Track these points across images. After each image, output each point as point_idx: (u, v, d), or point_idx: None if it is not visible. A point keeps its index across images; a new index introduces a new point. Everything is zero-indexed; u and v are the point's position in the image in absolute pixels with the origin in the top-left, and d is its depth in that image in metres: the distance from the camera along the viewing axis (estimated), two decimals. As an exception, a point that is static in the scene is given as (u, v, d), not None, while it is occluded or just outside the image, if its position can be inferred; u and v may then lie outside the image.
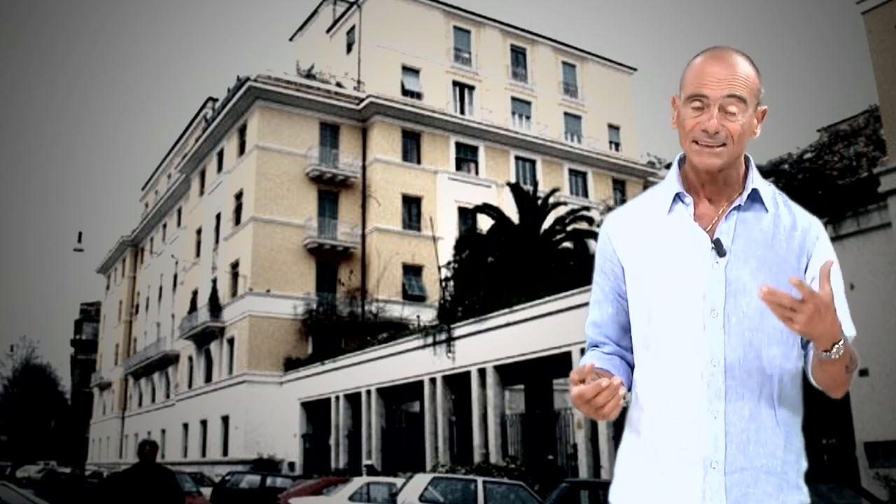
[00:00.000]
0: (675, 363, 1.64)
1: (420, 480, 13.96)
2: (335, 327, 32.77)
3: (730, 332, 1.61)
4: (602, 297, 1.79)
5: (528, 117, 41.97)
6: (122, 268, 59.20)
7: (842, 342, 1.48)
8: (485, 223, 27.88)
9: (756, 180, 1.72)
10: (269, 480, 20.40)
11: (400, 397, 25.96)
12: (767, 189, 1.74)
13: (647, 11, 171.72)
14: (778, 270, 1.64)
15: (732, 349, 1.61)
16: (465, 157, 38.43)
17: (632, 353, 1.77)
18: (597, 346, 1.80)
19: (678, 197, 1.72)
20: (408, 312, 32.13)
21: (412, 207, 36.01)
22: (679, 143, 1.73)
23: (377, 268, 34.22)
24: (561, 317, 17.93)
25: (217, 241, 37.89)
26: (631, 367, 1.77)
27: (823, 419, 14.19)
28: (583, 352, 1.85)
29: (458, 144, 38.14)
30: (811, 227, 1.71)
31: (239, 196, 35.70)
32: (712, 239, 1.66)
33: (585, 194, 41.45)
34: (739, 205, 1.69)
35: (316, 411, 29.72)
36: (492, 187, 37.07)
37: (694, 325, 1.63)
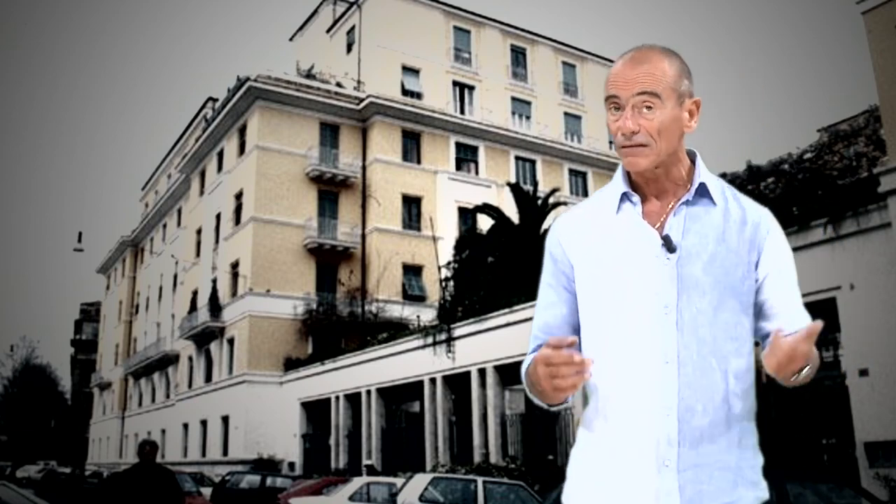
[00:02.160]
0: (627, 361, 1.62)
1: (420, 480, 13.96)
2: (335, 327, 32.76)
3: (682, 329, 1.59)
4: (555, 298, 1.76)
5: (528, 117, 41.97)
6: (122, 268, 59.21)
7: (809, 366, 1.50)
8: (485, 223, 27.88)
9: (703, 175, 1.70)
10: (269, 480, 20.41)
11: (400, 397, 25.96)
12: (716, 183, 1.72)
13: (647, 11, 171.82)
14: (729, 265, 1.63)
15: (685, 346, 1.59)
16: (465, 157, 38.42)
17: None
18: None
19: (625, 196, 1.71)
20: (408, 312, 32.12)
21: (412, 207, 36.01)
22: None
23: (377, 268, 34.22)
24: (561, 317, 17.89)
25: (217, 241, 37.90)
26: None
27: (823, 419, 14.20)
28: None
29: (458, 144, 38.14)
30: (762, 221, 1.70)
31: (239, 196, 35.70)
32: (662, 235, 1.64)
33: (585, 194, 41.40)
34: (687, 200, 1.68)
35: (316, 411, 29.72)
36: (492, 187, 37.07)
37: (646, 322, 1.61)
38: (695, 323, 1.60)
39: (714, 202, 1.69)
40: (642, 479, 1.58)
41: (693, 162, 1.73)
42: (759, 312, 1.68)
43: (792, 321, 1.67)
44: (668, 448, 1.57)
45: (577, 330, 1.74)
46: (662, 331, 1.60)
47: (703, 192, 1.69)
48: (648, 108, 1.62)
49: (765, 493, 1.65)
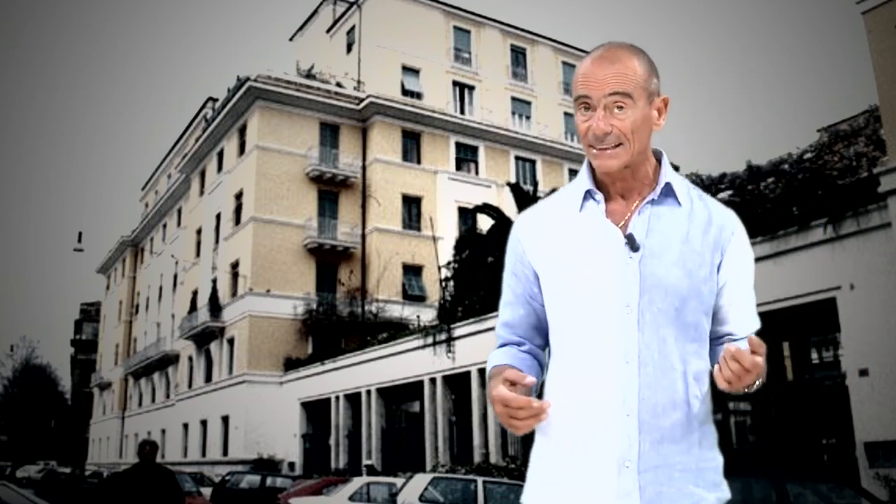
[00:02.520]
0: (588, 361, 1.61)
1: (420, 480, 13.96)
2: (335, 327, 32.75)
3: (643, 328, 1.58)
4: (513, 298, 1.75)
5: (528, 117, 41.96)
6: (122, 268, 59.20)
7: (762, 378, 1.52)
8: (485, 223, 27.86)
9: (669, 174, 1.69)
10: (269, 480, 20.41)
11: (400, 397, 25.96)
12: (681, 183, 1.70)
13: (647, 11, 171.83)
14: (693, 266, 1.62)
15: (646, 345, 1.58)
16: (465, 157, 38.41)
17: (544, 350, 1.74)
18: (511, 344, 1.75)
19: (589, 194, 1.69)
20: (408, 312, 32.12)
21: (412, 207, 36.00)
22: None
23: (377, 268, 34.21)
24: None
25: (217, 241, 37.89)
26: (542, 365, 1.74)
27: (823, 419, 14.20)
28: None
29: (458, 144, 38.12)
30: (726, 223, 1.69)
31: (239, 196, 35.69)
32: (625, 234, 1.63)
33: (585, 194, 41.33)
34: (653, 199, 1.66)
35: (316, 411, 29.72)
36: (492, 187, 37.06)
37: (607, 321, 1.59)
38: (656, 323, 1.58)
39: (679, 202, 1.67)
40: (603, 479, 1.56)
41: (659, 161, 1.72)
42: (714, 314, 1.68)
43: (744, 326, 1.69)
44: (629, 448, 1.56)
45: (536, 329, 1.74)
46: (623, 330, 1.58)
47: (668, 192, 1.67)
48: (620, 108, 1.60)
49: (726, 494, 1.64)
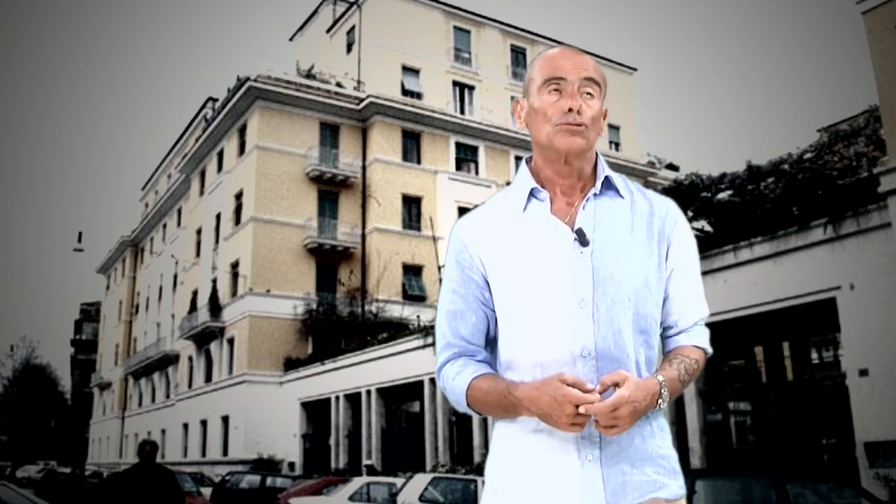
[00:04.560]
0: (545, 358, 1.61)
1: (420, 480, 13.98)
2: (335, 327, 32.75)
3: (598, 321, 1.59)
4: (465, 306, 1.70)
5: (528, 117, 41.89)
6: (122, 268, 59.20)
7: (665, 390, 1.55)
8: (485, 223, 27.82)
9: (606, 169, 1.73)
10: (269, 480, 20.42)
11: (400, 397, 25.97)
12: (619, 177, 1.74)
13: (647, 11, 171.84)
14: (641, 255, 1.65)
15: (602, 338, 1.59)
16: (465, 157, 38.41)
17: (493, 360, 1.72)
18: (467, 356, 1.70)
19: (532, 194, 1.70)
20: (408, 312, 32.12)
21: (412, 207, 35.99)
22: (536, 140, 1.72)
23: (377, 268, 34.21)
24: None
25: (217, 241, 37.89)
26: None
27: (823, 419, 14.20)
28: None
29: (458, 144, 38.12)
30: (668, 212, 1.72)
31: (239, 196, 35.69)
32: (573, 230, 1.64)
33: (585, 194, 41.34)
34: (595, 193, 1.69)
35: (316, 411, 29.72)
36: (492, 187, 37.04)
37: (563, 317, 1.60)
38: (610, 314, 1.60)
39: (621, 195, 1.71)
40: (567, 474, 1.57)
41: (595, 159, 1.76)
42: (662, 304, 1.71)
43: (688, 315, 1.73)
44: (590, 442, 1.58)
45: (485, 336, 1.72)
46: (579, 325, 1.59)
47: (608, 185, 1.71)
48: (591, 95, 1.66)
49: (683, 483, 1.66)
